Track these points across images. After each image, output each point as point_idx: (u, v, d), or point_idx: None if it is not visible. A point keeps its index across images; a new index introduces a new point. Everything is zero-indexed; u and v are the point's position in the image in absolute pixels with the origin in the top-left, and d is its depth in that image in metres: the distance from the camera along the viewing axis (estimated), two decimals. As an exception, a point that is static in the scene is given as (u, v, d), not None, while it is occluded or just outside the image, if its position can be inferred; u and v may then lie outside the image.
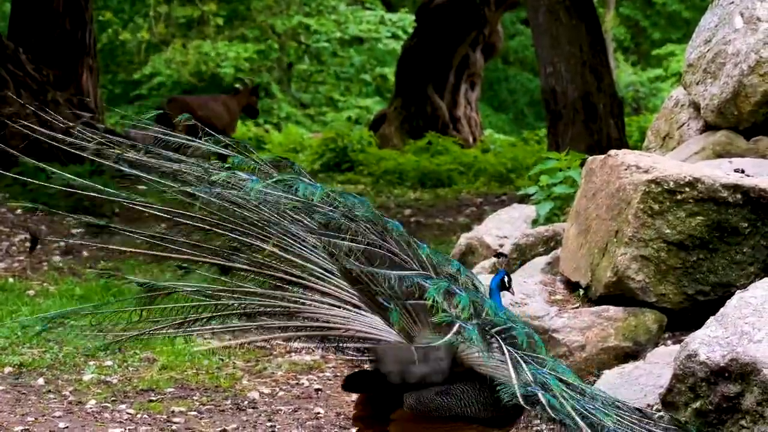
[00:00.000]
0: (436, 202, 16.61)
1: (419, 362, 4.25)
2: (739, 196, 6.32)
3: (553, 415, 4.26)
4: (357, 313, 4.53)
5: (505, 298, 5.26)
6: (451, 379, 4.32)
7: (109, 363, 7.43)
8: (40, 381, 7.04)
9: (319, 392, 6.93)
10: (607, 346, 6.43)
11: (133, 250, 4.77)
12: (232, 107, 18.76)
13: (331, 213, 4.61)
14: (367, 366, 4.66)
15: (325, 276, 4.59)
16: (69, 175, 5.00)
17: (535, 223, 8.82)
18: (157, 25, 31.78)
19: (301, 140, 24.35)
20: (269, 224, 4.64)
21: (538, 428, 5.71)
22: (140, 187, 4.77)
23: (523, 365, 4.32)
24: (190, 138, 4.79)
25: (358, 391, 4.64)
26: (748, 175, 6.64)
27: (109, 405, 6.60)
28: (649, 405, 5.61)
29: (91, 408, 6.55)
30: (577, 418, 4.28)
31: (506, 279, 4.82)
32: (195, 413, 6.48)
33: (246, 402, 6.70)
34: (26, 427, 6.15)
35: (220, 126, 17.25)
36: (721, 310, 5.41)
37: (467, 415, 4.28)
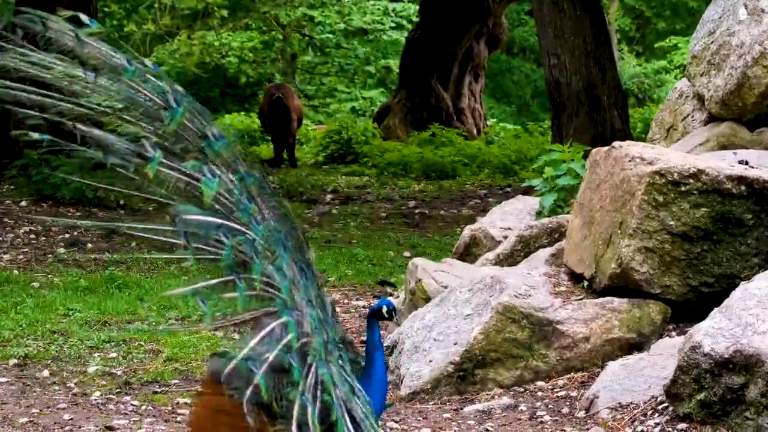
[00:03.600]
0: (441, 194, 16.59)
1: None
2: (743, 187, 6.31)
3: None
4: None
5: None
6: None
7: (114, 355, 7.44)
8: (45, 373, 7.05)
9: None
10: (611, 338, 6.43)
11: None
12: (299, 113, 21.18)
13: None
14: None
15: None
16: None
17: (539, 214, 8.82)
18: (162, 16, 31.79)
19: (305, 132, 24.33)
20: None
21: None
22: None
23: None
24: None
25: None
26: (752, 167, 6.63)
27: (113, 397, 6.61)
28: (653, 396, 5.62)
29: (95, 400, 6.56)
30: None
31: (387, 309, 4.47)
32: (200, 405, 6.48)
33: (250, 393, 6.69)
34: (31, 419, 6.16)
35: (297, 115, 20.34)
36: (726, 301, 5.41)
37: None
